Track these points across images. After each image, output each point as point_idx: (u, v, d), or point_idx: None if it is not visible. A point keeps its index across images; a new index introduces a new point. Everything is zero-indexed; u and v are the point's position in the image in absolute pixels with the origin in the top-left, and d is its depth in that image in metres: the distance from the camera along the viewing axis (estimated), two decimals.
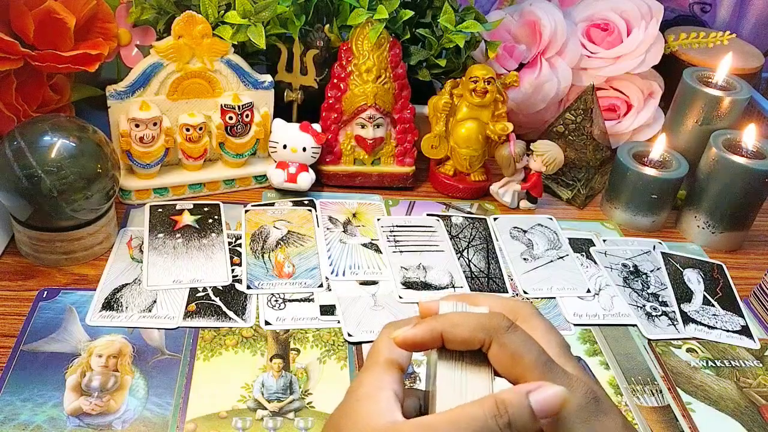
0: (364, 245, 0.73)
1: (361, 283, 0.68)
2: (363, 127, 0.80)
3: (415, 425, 0.34)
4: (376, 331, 0.62)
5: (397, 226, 0.77)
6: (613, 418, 0.36)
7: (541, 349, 0.36)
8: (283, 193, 0.80)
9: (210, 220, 0.74)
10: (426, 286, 0.69)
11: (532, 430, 0.33)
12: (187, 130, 0.74)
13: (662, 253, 0.77)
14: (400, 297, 0.67)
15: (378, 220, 0.77)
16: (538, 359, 0.36)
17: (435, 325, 0.37)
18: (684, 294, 0.72)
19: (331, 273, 0.69)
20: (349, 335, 0.62)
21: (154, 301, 0.63)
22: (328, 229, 0.75)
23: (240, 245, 0.71)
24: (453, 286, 0.69)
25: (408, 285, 0.69)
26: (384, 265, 0.71)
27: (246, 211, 0.76)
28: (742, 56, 0.96)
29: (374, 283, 0.69)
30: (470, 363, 0.37)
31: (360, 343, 0.62)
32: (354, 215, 0.78)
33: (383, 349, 0.39)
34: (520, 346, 0.36)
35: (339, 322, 0.63)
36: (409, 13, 0.79)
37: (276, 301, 0.65)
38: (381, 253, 0.72)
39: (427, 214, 0.79)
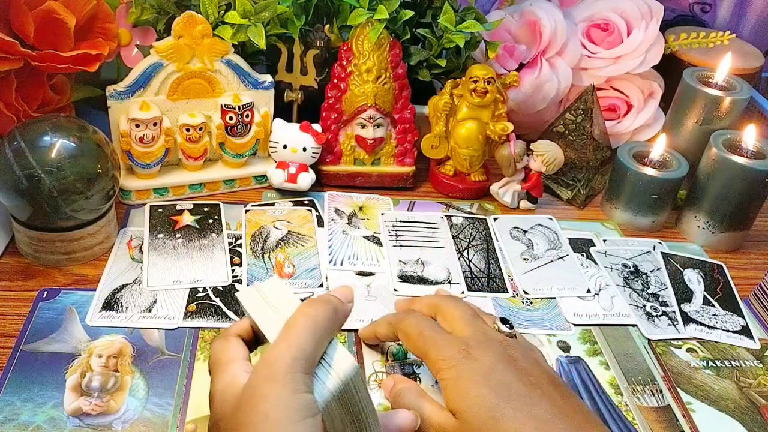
0: (366, 237, 0.73)
1: (358, 274, 0.69)
2: (363, 127, 0.80)
3: (259, 365, 0.41)
4: (366, 320, 0.63)
5: (399, 221, 0.77)
6: (480, 364, 0.48)
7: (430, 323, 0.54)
8: (283, 193, 0.80)
9: (210, 221, 0.74)
10: (422, 280, 0.69)
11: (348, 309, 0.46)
12: (187, 130, 0.74)
13: (662, 253, 0.77)
14: (395, 290, 0.67)
15: (382, 214, 0.77)
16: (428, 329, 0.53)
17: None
18: (684, 294, 0.72)
19: (330, 262, 0.69)
20: None
21: (154, 302, 0.63)
22: (332, 220, 0.75)
23: (240, 245, 0.71)
24: (449, 282, 0.69)
25: (404, 278, 0.69)
26: (383, 258, 0.71)
27: (246, 212, 0.76)
28: (742, 56, 0.96)
29: (371, 274, 0.69)
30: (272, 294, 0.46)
31: (351, 330, 0.62)
32: (360, 208, 0.78)
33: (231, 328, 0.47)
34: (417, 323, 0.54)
35: None
36: (409, 13, 0.79)
37: None
38: (381, 246, 0.73)
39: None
